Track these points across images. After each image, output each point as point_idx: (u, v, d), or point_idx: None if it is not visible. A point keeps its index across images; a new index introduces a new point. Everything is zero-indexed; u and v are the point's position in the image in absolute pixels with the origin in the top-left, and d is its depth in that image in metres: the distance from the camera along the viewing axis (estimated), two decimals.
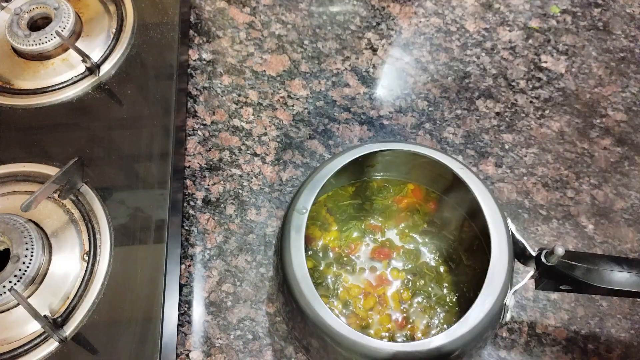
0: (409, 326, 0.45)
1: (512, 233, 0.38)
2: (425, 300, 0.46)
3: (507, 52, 0.66)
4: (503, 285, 0.36)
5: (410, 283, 0.47)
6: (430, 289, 0.46)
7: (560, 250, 0.32)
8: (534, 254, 0.36)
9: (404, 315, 0.45)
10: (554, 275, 0.34)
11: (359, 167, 0.48)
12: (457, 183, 0.42)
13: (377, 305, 0.46)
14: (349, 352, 0.36)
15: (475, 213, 0.41)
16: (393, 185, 0.51)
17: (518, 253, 0.38)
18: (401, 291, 0.46)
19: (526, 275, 0.37)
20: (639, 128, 0.61)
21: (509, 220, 0.39)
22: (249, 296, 0.51)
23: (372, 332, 0.45)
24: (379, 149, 0.44)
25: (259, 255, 0.53)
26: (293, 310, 0.39)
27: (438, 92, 0.63)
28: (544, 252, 0.34)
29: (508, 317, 0.37)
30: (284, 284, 0.39)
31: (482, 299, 0.36)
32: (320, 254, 0.48)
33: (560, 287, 0.35)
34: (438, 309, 0.45)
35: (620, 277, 0.33)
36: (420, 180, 0.50)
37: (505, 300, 0.36)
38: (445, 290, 0.46)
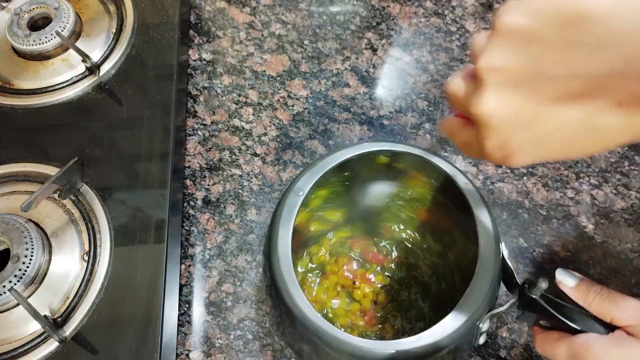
0: (380, 326, 0.45)
1: (503, 257, 0.37)
2: (400, 309, 0.46)
3: None
4: (479, 307, 0.35)
5: (393, 291, 0.47)
6: (411, 301, 0.46)
7: (543, 284, 0.32)
8: (520, 282, 0.35)
9: (376, 314, 0.45)
10: (534, 308, 0.33)
11: (360, 168, 0.48)
12: (460, 199, 0.42)
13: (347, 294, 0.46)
14: (338, 353, 0.36)
15: (471, 232, 0.40)
16: (398, 194, 0.50)
17: (506, 279, 0.37)
18: (377, 293, 0.47)
19: (509, 302, 0.36)
20: None
21: (502, 245, 0.38)
22: (249, 296, 0.51)
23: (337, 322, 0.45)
24: (391, 149, 0.43)
25: (259, 255, 0.53)
26: (282, 314, 0.38)
27: (438, 92, 0.63)
28: (528, 282, 0.34)
29: (481, 341, 0.36)
30: (271, 286, 0.39)
31: (453, 316, 0.35)
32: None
33: (540, 322, 0.34)
34: (414, 320, 0.46)
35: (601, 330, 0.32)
36: (426, 191, 0.49)
37: (478, 323, 0.35)
38: (427, 307, 0.46)
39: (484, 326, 0.36)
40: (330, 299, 0.47)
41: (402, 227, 0.50)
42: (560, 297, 0.32)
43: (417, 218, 0.49)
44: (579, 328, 0.31)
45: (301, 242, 0.48)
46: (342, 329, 0.37)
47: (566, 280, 0.32)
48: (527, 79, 0.23)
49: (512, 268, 0.36)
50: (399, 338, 0.35)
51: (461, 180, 0.40)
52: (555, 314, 0.31)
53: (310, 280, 0.48)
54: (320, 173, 0.42)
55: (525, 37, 0.23)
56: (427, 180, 0.46)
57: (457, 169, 0.41)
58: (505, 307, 0.35)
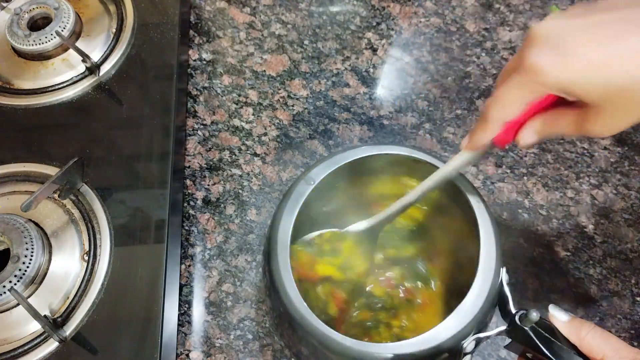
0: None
1: (502, 283, 0.37)
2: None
3: (507, 52, 0.66)
4: (467, 324, 0.35)
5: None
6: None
7: (534, 315, 0.32)
8: (513, 311, 0.35)
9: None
10: (523, 339, 0.32)
11: (369, 169, 0.47)
12: (468, 219, 0.41)
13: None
14: (337, 356, 0.36)
15: (473, 251, 0.40)
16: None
17: (502, 305, 0.37)
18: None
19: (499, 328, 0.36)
20: (639, 128, 0.61)
21: (503, 270, 0.38)
22: (249, 296, 0.51)
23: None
24: (411, 155, 0.42)
25: (259, 255, 0.53)
26: (281, 316, 0.38)
27: (438, 92, 0.63)
28: (520, 313, 0.33)
29: None
30: (270, 287, 0.39)
31: (437, 330, 0.35)
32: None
33: (527, 354, 0.33)
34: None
35: None
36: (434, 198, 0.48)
37: (462, 343, 0.35)
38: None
39: (468, 347, 0.35)
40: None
41: (403, 227, 0.50)
42: (551, 332, 0.32)
43: (420, 220, 0.49)
44: None
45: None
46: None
47: (559, 315, 0.32)
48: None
49: (509, 296, 0.36)
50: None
51: (474, 199, 0.40)
52: (542, 348, 0.31)
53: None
54: (336, 166, 0.41)
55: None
56: (439, 191, 0.46)
57: (473, 187, 0.41)
58: (493, 332, 0.35)
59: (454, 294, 0.46)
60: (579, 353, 0.31)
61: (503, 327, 0.34)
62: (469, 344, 0.35)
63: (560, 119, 0.30)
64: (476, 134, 0.33)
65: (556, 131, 0.30)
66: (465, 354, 0.36)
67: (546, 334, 0.31)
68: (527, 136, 0.31)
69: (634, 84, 0.25)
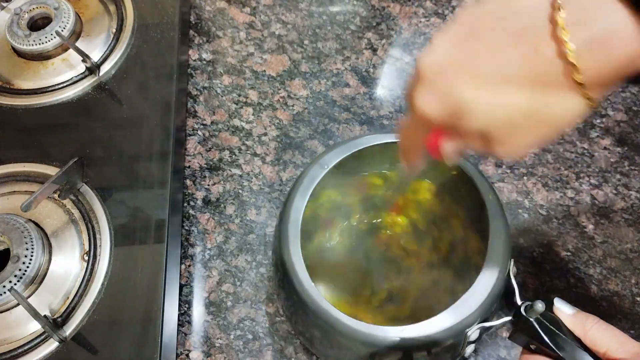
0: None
1: (509, 274, 0.37)
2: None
3: None
4: (472, 313, 0.35)
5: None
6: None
7: (540, 307, 0.32)
8: (519, 302, 0.35)
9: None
10: (527, 330, 0.33)
11: (379, 158, 0.47)
12: (479, 210, 0.41)
13: None
14: (349, 340, 0.36)
15: (483, 241, 0.40)
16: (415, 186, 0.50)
17: (508, 296, 0.37)
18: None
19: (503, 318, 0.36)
20: (639, 128, 0.61)
21: (511, 262, 0.38)
22: (249, 296, 0.51)
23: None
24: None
25: (259, 255, 0.53)
26: (292, 300, 0.39)
27: None
28: (525, 304, 0.34)
29: (468, 352, 0.37)
30: (284, 279, 0.39)
31: (443, 316, 0.35)
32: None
33: (531, 345, 0.34)
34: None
35: None
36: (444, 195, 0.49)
37: (467, 331, 0.35)
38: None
39: (472, 335, 0.36)
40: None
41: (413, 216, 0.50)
42: (556, 324, 0.32)
43: (430, 208, 0.50)
44: (566, 358, 0.31)
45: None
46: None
47: (564, 308, 0.33)
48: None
49: (516, 287, 0.36)
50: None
51: (485, 191, 0.40)
52: (546, 339, 0.31)
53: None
54: (349, 152, 0.42)
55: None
56: (450, 182, 0.46)
57: (484, 178, 0.41)
58: (497, 322, 0.35)
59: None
60: (583, 346, 0.31)
61: (508, 318, 0.35)
62: (473, 332, 0.36)
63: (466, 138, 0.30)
64: (404, 162, 0.35)
65: (468, 148, 0.30)
66: (469, 343, 0.36)
67: (551, 326, 0.32)
68: (447, 154, 0.32)
69: (518, 117, 0.25)
